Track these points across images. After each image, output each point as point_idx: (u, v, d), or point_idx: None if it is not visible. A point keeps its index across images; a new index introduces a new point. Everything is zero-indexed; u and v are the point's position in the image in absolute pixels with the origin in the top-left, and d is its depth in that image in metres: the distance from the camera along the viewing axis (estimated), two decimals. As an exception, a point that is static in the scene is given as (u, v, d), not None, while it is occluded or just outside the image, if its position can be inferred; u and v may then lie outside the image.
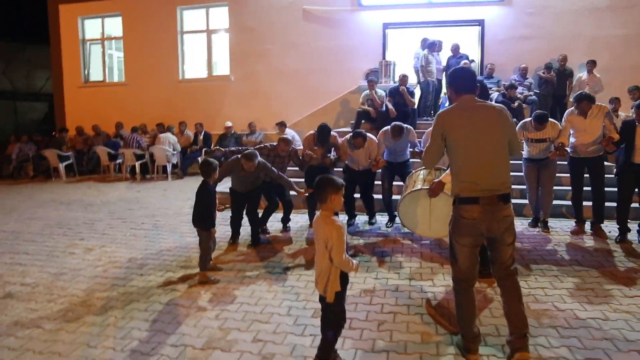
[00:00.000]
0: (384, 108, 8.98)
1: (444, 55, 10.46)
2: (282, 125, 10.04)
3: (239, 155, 5.40)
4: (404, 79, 9.06)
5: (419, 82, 10.01)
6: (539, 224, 6.20)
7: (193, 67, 13.08)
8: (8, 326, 3.58)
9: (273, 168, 5.59)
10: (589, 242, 5.58)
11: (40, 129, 19.87)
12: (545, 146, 5.86)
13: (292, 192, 5.87)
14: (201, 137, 11.50)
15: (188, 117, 11.92)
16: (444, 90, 10.19)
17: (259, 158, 5.35)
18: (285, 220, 6.24)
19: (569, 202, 6.27)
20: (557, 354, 2.99)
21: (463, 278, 2.93)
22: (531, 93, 9.82)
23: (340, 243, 2.59)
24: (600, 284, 4.21)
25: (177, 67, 12.73)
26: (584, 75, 10.05)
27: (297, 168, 6.54)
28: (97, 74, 13.93)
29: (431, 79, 9.83)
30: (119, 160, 11.52)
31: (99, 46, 13.92)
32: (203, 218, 4.48)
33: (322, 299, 2.75)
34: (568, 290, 4.08)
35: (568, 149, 5.79)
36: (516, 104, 8.98)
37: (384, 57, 11.00)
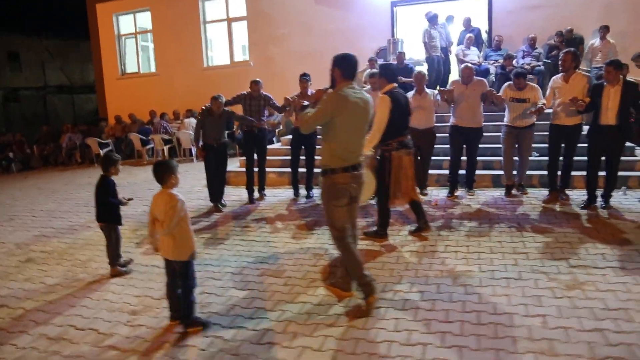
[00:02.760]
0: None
1: (457, 28, 10.56)
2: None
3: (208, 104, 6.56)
4: (399, 56, 9.31)
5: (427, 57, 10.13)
6: (518, 188, 6.47)
7: (217, 54, 13.83)
8: (20, 282, 4.44)
9: (238, 114, 6.85)
10: (559, 208, 5.84)
11: (95, 118, 21.50)
12: (524, 107, 6.04)
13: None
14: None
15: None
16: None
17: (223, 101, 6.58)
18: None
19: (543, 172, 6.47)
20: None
21: (344, 235, 3.42)
22: (539, 63, 9.79)
23: (173, 213, 3.19)
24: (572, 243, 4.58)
25: (202, 55, 13.52)
26: (596, 41, 9.85)
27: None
28: (132, 65, 15.00)
29: (435, 54, 9.94)
30: (150, 145, 12.52)
31: (133, 40, 14.94)
32: (107, 214, 4.45)
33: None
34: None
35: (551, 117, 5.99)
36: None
37: (392, 35, 11.22)
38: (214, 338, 3.18)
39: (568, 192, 6.19)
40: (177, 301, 3.37)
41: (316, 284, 3.95)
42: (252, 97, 6.89)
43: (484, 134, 6.54)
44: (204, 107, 6.71)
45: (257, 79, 6.94)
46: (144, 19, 14.60)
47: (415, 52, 11.14)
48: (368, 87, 6.74)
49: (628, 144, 6.59)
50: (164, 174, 3.27)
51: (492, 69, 9.75)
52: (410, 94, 6.36)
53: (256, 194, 7.12)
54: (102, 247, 4.89)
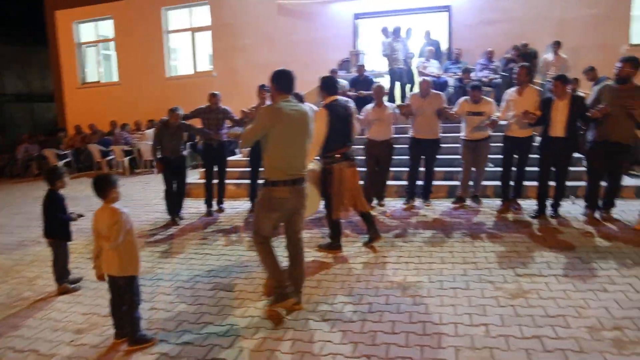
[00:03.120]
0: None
1: (416, 42, 10.79)
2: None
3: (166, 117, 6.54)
4: (360, 68, 9.45)
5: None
6: (474, 199, 6.62)
7: (182, 64, 13.73)
8: (-40, 301, 4.27)
9: (196, 127, 6.86)
10: (511, 217, 6.00)
11: (54, 128, 20.94)
12: (480, 120, 6.18)
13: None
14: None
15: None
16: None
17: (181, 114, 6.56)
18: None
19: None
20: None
21: (266, 242, 3.55)
22: (497, 76, 10.08)
23: (118, 229, 3.16)
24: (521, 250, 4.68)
25: (164, 65, 13.38)
26: (550, 56, 10.22)
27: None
28: (93, 75, 14.71)
29: (398, 66, 10.13)
30: (111, 157, 12.27)
31: (94, 48, 14.67)
32: (55, 230, 4.31)
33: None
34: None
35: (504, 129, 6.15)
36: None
37: (354, 47, 11.38)
38: (160, 355, 3.13)
39: (521, 201, 6.37)
40: (122, 318, 3.31)
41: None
42: (210, 110, 6.86)
43: (442, 145, 6.68)
44: (161, 120, 6.65)
45: (215, 92, 6.93)
46: (106, 28, 14.36)
47: (377, 64, 11.31)
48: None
49: (577, 154, 6.82)
50: (105, 188, 3.22)
51: (451, 82, 9.98)
52: (369, 107, 6.47)
53: (215, 206, 7.06)
54: (51, 263, 4.70)
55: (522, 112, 5.63)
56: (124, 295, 3.26)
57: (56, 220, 4.28)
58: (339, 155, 4.62)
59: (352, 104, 6.45)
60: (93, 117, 13.74)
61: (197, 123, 7.05)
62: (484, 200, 6.70)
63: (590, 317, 3.32)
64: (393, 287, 4.01)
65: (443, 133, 6.78)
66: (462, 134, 6.48)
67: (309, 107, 4.40)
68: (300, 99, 5.78)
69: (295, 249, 3.66)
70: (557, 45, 10.04)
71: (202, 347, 3.19)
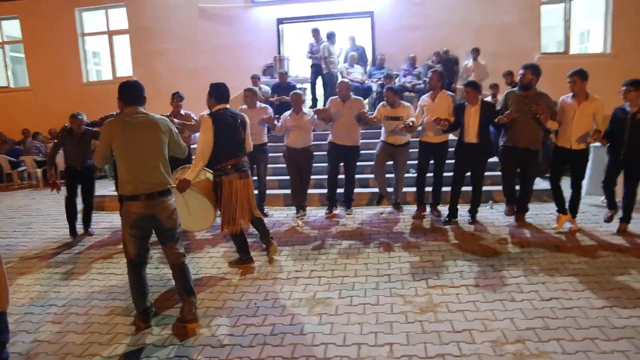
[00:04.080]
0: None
1: (339, 47, 10.73)
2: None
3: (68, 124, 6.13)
4: (281, 75, 9.28)
5: (318, 74, 10.09)
6: (395, 206, 6.59)
7: (99, 69, 12.96)
8: None
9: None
10: (428, 224, 6.00)
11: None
12: (397, 125, 6.08)
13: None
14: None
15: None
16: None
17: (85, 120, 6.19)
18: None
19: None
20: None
21: (131, 263, 3.47)
22: (420, 82, 10.21)
23: None
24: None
25: (81, 69, 12.58)
26: (469, 62, 10.52)
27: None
28: (1, 79, 13.59)
29: (335, 69, 9.97)
30: (22, 168, 11.37)
31: (0, 50, 13.57)
32: None
33: None
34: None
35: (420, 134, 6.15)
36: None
37: (279, 52, 11.19)
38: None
39: (441, 207, 6.39)
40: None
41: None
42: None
43: (363, 152, 6.58)
44: (63, 127, 6.16)
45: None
46: (14, 28, 13.32)
47: (302, 70, 11.19)
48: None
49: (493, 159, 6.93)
50: None
51: (375, 87, 10.01)
52: (287, 114, 6.30)
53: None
54: None
55: (434, 119, 5.65)
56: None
57: None
58: (229, 167, 4.40)
59: (270, 110, 6.37)
60: (2, 125, 12.68)
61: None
62: (405, 207, 6.69)
63: (495, 329, 3.28)
64: (301, 304, 3.82)
65: (364, 139, 6.71)
66: (381, 135, 6.41)
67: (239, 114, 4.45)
68: None
69: (172, 262, 3.51)
70: (476, 52, 10.36)
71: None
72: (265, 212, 6.66)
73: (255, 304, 3.89)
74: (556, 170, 5.48)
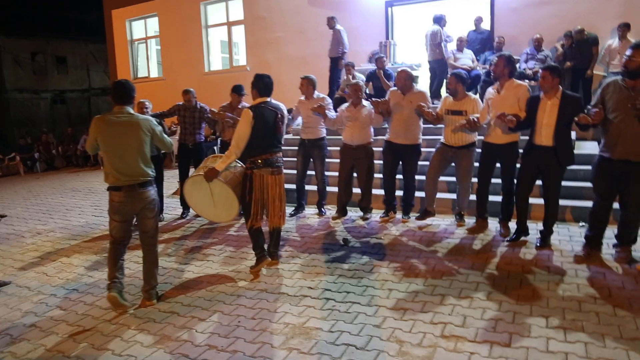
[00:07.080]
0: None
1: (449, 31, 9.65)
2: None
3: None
4: (379, 60, 8.56)
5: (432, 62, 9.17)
6: (456, 218, 5.59)
7: (218, 59, 13.65)
8: None
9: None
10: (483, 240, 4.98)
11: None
12: (460, 120, 5.00)
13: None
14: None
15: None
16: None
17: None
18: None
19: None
20: None
21: (114, 242, 3.84)
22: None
23: None
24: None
25: (203, 60, 13.34)
26: (614, 42, 8.63)
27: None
28: (143, 70, 15.14)
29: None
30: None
31: (144, 45, 15.06)
32: None
33: None
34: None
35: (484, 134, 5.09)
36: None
37: (387, 37, 10.46)
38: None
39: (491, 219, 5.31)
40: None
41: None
42: (186, 108, 6.53)
43: (424, 149, 5.77)
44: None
45: (189, 89, 6.60)
46: (155, 25, 14.66)
47: (411, 57, 10.33)
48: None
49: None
50: None
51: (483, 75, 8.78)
52: (344, 106, 5.76)
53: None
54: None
55: (498, 115, 4.56)
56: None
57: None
58: (260, 161, 4.23)
59: (328, 100, 5.91)
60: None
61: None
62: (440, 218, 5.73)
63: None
64: (282, 331, 3.32)
65: (425, 135, 5.92)
66: (442, 138, 5.39)
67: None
68: None
69: (145, 247, 3.91)
70: (625, 27, 8.40)
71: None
72: (322, 211, 6.21)
73: (239, 322, 3.50)
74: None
